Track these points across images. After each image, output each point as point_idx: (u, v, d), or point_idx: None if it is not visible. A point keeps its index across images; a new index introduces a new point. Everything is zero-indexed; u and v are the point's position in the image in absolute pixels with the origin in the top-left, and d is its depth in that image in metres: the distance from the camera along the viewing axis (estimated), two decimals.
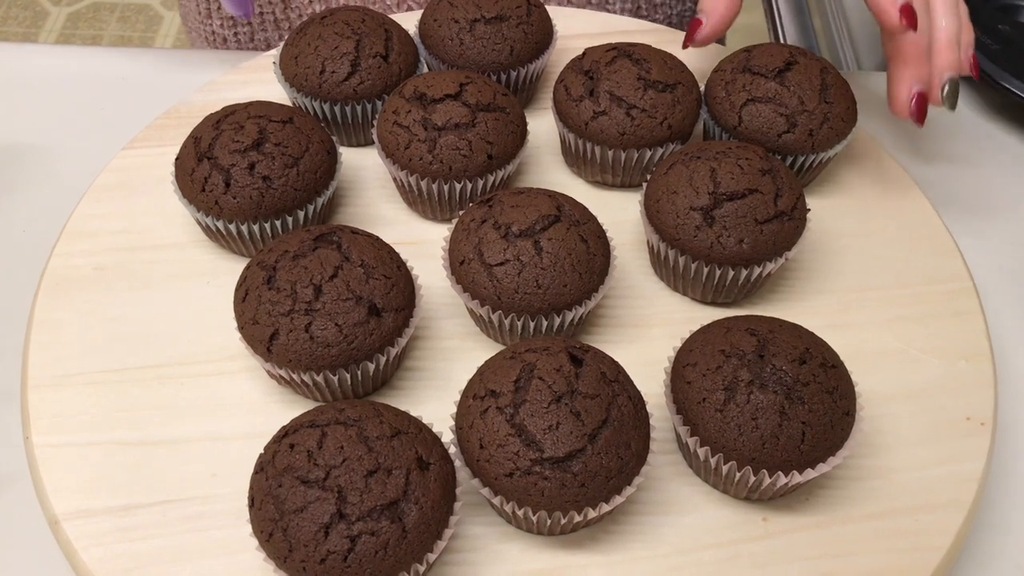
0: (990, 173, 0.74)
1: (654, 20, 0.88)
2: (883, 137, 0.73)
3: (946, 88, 0.62)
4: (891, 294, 0.61)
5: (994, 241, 0.69)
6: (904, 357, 0.58)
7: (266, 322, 0.51)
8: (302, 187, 0.59)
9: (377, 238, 0.55)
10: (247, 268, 0.54)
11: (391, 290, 0.53)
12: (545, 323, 0.54)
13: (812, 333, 0.51)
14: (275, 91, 0.71)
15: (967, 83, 0.81)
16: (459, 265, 0.55)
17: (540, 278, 0.53)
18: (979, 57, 0.76)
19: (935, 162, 0.74)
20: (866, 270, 0.62)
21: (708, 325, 0.52)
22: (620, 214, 0.64)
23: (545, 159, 0.69)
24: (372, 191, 0.67)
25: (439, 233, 0.63)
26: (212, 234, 0.61)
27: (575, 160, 0.66)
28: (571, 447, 0.45)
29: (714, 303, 0.60)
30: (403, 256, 0.56)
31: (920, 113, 0.61)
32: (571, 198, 0.57)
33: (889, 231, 0.65)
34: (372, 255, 0.53)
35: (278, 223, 0.59)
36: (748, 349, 0.49)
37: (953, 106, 0.63)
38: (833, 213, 0.65)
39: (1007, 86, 0.74)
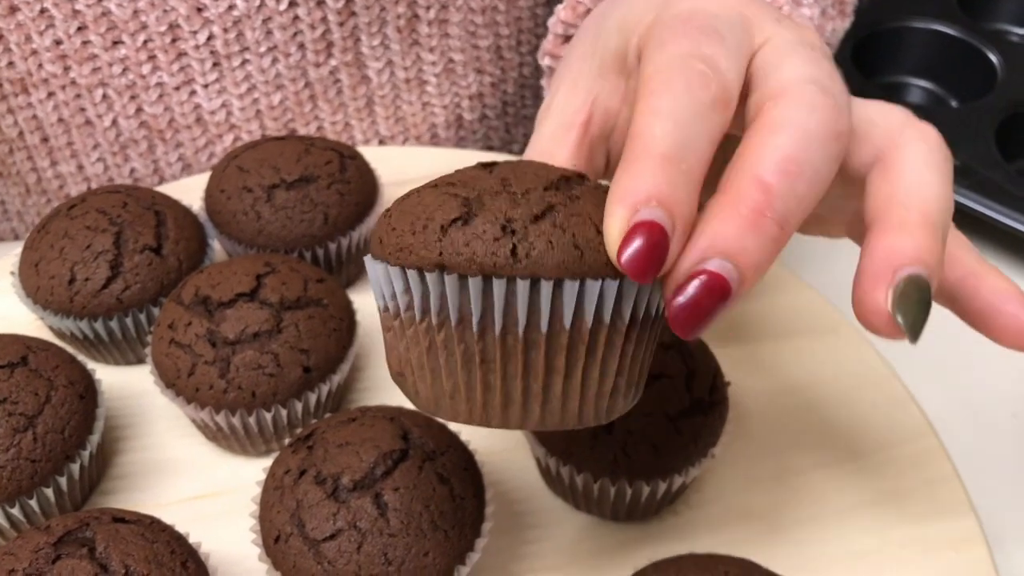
0: None
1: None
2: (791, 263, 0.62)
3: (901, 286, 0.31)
4: (845, 470, 0.48)
5: (940, 373, 0.58)
6: (879, 559, 0.45)
7: None
8: (43, 456, 0.42)
9: (152, 522, 0.39)
10: None
11: None
12: None
13: (769, 574, 0.37)
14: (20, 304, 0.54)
15: None
16: (274, 543, 0.39)
17: (389, 550, 0.38)
18: None
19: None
20: (808, 441, 0.49)
21: None
22: None
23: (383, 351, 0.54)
24: (160, 422, 0.50)
25: (254, 474, 0.47)
26: None
27: None
28: None
29: (629, 520, 0.46)
30: (205, 515, 0.43)
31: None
32: (420, 414, 0.43)
33: (824, 380, 0.52)
34: (142, 554, 0.37)
35: (14, 510, 0.42)
36: None
37: (916, 329, 0.31)
38: (753, 368, 0.52)
39: None
